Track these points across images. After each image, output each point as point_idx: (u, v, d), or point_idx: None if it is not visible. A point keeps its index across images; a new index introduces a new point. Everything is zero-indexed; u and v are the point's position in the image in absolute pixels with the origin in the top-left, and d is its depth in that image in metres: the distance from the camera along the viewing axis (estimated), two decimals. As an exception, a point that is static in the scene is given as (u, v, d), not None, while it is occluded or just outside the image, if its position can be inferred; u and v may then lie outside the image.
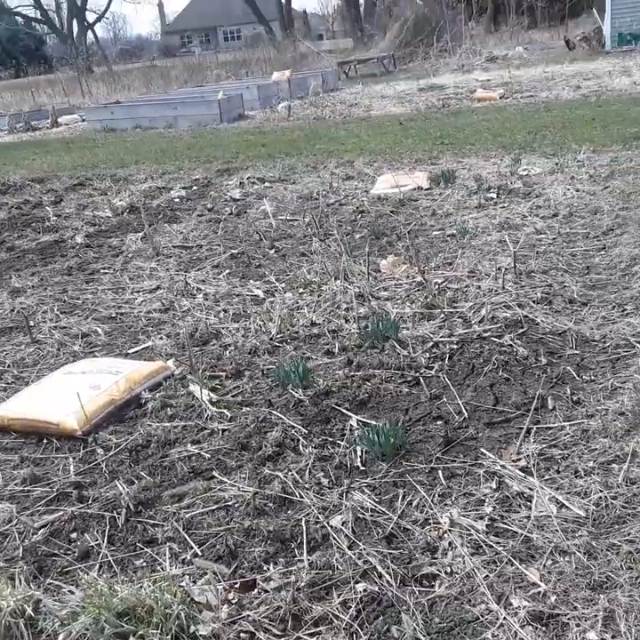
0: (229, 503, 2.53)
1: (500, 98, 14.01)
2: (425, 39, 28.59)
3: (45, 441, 3.10)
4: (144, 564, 2.30)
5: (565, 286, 4.12)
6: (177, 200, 7.84)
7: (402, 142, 10.05)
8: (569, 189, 6.21)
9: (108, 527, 2.47)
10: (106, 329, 4.34)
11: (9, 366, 3.91)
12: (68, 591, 2.17)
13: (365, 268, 4.71)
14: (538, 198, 6.14)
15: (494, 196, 6.48)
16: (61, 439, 3.09)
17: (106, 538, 2.42)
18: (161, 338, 4.13)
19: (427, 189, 7.02)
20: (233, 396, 3.32)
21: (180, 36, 70.61)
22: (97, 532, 2.46)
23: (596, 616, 1.86)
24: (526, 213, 5.72)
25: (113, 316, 4.55)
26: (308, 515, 2.42)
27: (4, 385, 3.69)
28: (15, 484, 2.79)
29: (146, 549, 2.35)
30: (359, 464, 2.68)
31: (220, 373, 3.53)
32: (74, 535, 2.47)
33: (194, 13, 71.20)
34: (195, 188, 8.41)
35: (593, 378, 3.10)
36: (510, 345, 3.47)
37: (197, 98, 16.83)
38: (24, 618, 2.04)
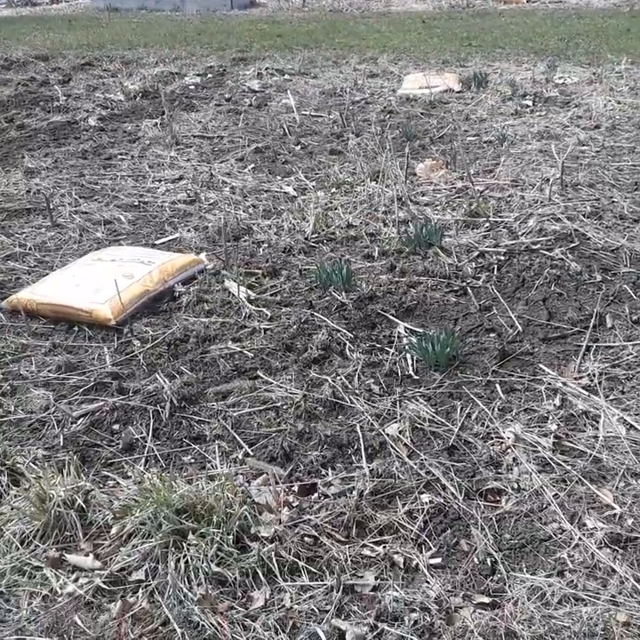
0: (277, 404, 2.43)
1: (527, 1, 13.35)
2: None
3: (76, 328, 2.97)
4: (192, 460, 2.21)
5: (614, 201, 3.95)
6: (192, 87, 7.46)
7: (427, 41, 9.58)
8: (610, 101, 5.93)
9: (151, 421, 2.38)
10: (129, 217, 4.14)
11: (30, 249, 3.73)
12: (116, 483, 2.08)
13: (401, 170, 4.48)
14: (577, 108, 5.86)
15: (530, 103, 6.19)
16: (93, 328, 2.96)
17: (151, 431, 2.33)
18: (189, 230, 3.95)
19: (458, 92, 6.71)
20: (271, 296, 3.18)
21: None
22: (141, 425, 2.36)
23: (673, 541, 1.80)
24: (567, 123, 5.47)
25: (135, 204, 4.35)
26: (361, 421, 2.33)
27: (26, 268, 3.53)
28: (49, 371, 2.68)
29: (193, 446, 2.26)
30: (411, 373, 2.58)
31: (256, 271, 3.38)
32: (116, 427, 2.38)
33: None
34: (210, 75, 8.01)
35: (651, 298, 2.98)
36: (561, 259, 3.33)
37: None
38: (74, 508, 1.96)
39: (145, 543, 1.82)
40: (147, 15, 14.04)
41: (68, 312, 3.00)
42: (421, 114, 6.07)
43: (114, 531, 1.91)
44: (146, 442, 2.29)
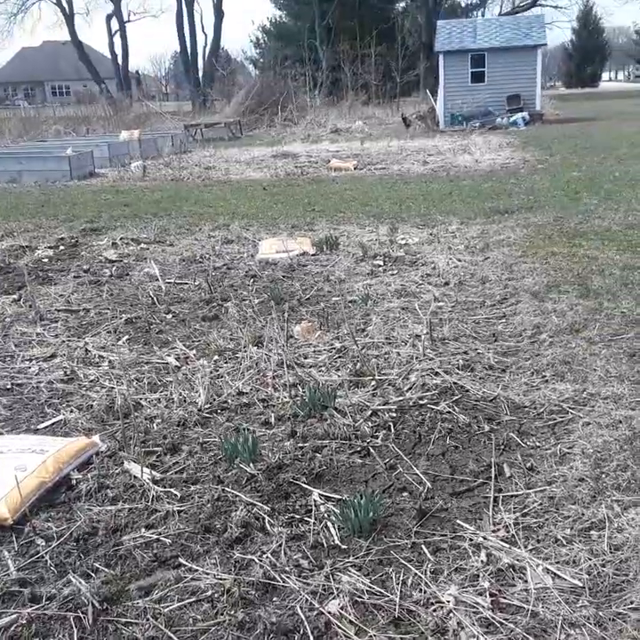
0: (208, 593, 2.34)
1: (355, 168, 14.62)
2: (269, 108, 29.50)
3: (-33, 532, 2.73)
4: (128, 671, 2.05)
5: (479, 353, 4.28)
6: (45, 260, 7.41)
7: (272, 207, 10.17)
8: (451, 259, 6.53)
9: (74, 630, 2.19)
10: (4, 402, 3.94)
11: None
12: None
13: (279, 334, 4.65)
14: (425, 267, 6.40)
15: (381, 262, 6.69)
16: (-14, 529, 2.74)
17: (76, 644, 2.14)
18: (72, 411, 3.81)
19: (313, 255, 7.12)
20: (176, 473, 3.11)
21: (4, 88, 68.13)
22: (63, 636, 2.17)
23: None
24: (419, 281, 5.93)
25: (8, 387, 4.16)
26: (299, 601, 2.28)
27: None
28: (-56, 585, 2.42)
29: (126, 655, 2.10)
30: (337, 542, 2.58)
31: (156, 448, 3.30)
32: (35, 643, 2.17)
33: (20, 66, 69.17)
34: (62, 247, 8.00)
35: (538, 444, 3.21)
36: (449, 412, 3.53)
37: (44, 153, 16.17)
38: None
39: None
40: (-17, 187, 13.91)
41: (-43, 514, 2.76)
42: (283, 277, 6.36)
43: None
44: (72, 656, 2.10)
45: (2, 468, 2.96)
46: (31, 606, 2.30)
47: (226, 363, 4.36)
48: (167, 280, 6.35)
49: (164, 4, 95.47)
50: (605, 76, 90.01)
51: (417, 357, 4.21)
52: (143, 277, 6.58)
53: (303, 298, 5.65)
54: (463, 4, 53.55)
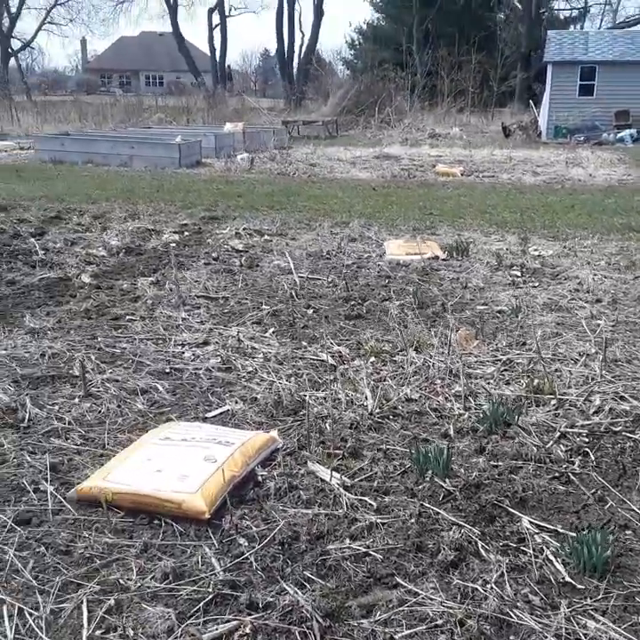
0: (438, 622, 2.14)
1: (462, 174, 14.29)
2: (366, 109, 29.34)
3: (159, 522, 2.61)
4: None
5: (661, 380, 3.97)
6: (173, 245, 7.36)
7: (388, 208, 9.97)
8: (597, 275, 6.19)
9: (303, 648, 2.03)
10: (166, 386, 3.85)
11: (70, 423, 3.36)
12: None
13: (436, 339, 4.45)
14: (568, 281, 6.08)
15: (518, 273, 6.40)
16: (179, 521, 2.61)
17: (307, 663, 1.97)
18: (236, 402, 3.69)
19: (443, 259, 6.88)
20: (364, 481, 2.93)
21: (101, 75, 69.82)
22: (293, 653, 2.01)
23: None
24: (567, 295, 5.63)
25: (167, 371, 4.06)
26: (543, 643, 2.06)
27: (74, 447, 3.15)
28: (153, 579, 2.29)
29: (363, 681, 1.92)
30: (568, 579, 2.34)
31: (336, 451, 3.13)
32: (262, 656, 2.01)
33: (117, 54, 70.84)
34: (186, 233, 7.97)
35: None
36: (650, 443, 3.25)
37: (154, 139, 16.37)
38: None
39: None
40: (94, 169, 14.14)
41: (151, 503, 2.64)
42: (419, 280, 6.14)
43: None
44: (305, 676, 1.93)
45: (191, 457, 2.84)
46: (249, 614, 2.15)
47: (384, 365, 4.17)
48: (299, 274, 6.21)
49: (265, 1, 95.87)
50: None
51: (592, 378, 3.93)
52: (274, 269, 6.46)
53: (447, 303, 5.42)
54: (562, 17, 52.24)
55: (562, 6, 52.33)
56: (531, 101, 26.76)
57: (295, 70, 49.93)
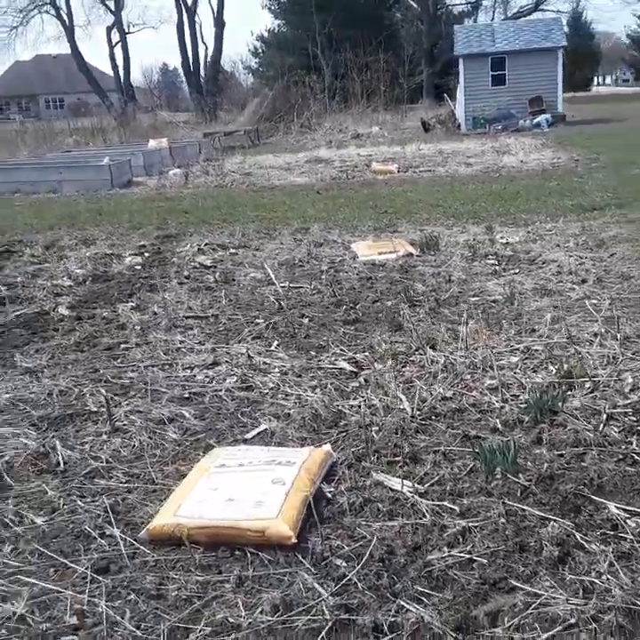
0: (571, 621, 2.08)
1: (399, 171, 14.40)
2: (284, 116, 29.34)
3: (243, 553, 2.47)
4: None
5: (680, 354, 4.04)
6: (139, 268, 7.14)
7: (339, 210, 9.93)
8: (572, 256, 6.30)
9: (448, 667, 1.94)
10: (192, 412, 3.69)
11: (108, 462, 3.17)
12: None
13: (443, 335, 4.43)
14: (547, 265, 6.17)
15: (495, 262, 6.46)
16: (263, 549, 2.48)
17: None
18: (270, 420, 3.56)
19: (418, 256, 6.88)
20: (434, 486, 2.86)
21: (-2, 102, 67.84)
22: (441, 675, 1.92)
23: None
24: (552, 279, 5.70)
25: (186, 396, 3.90)
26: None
27: (125, 487, 2.96)
28: (261, 612, 2.16)
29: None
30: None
31: (395, 459, 3.05)
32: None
33: (13, 80, 68.77)
34: (147, 254, 7.74)
35: None
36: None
37: (80, 162, 15.92)
38: None
39: None
40: (25, 198, 13.59)
41: (231, 534, 2.50)
42: (400, 279, 6.12)
43: None
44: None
45: (257, 481, 2.72)
46: (377, 637, 2.05)
47: (404, 366, 4.12)
48: (280, 284, 6.10)
49: (163, 15, 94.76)
50: (594, 80, 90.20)
51: (614, 357, 3.97)
52: (252, 282, 6.33)
53: (440, 299, 5.40)
54: (456, 12, 53.34)
55: (456, 1, 53.12)
56: (445, 95, 27.33)
57: (203, 82, 49.54)
